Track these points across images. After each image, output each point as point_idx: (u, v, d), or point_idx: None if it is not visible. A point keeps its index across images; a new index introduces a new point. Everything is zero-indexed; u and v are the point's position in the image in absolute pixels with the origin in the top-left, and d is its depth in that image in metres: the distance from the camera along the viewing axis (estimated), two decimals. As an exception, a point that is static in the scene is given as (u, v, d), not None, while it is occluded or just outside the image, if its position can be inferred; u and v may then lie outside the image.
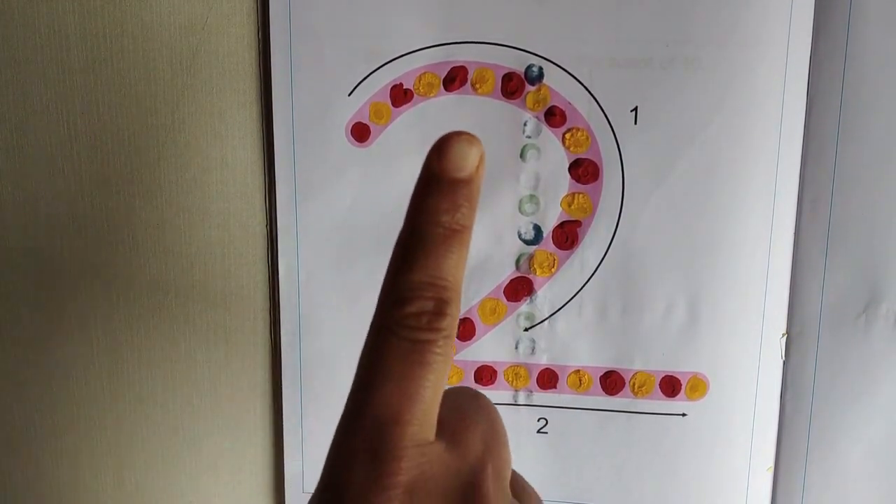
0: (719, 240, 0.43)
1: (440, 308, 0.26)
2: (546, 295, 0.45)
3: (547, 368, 0.45)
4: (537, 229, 0.44)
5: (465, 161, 0.27)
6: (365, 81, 0.42)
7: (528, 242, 0.44)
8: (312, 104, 0.43)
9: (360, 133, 0.43)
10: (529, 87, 0.42)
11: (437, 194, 0.27)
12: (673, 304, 0.44)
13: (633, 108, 0.42)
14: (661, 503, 0.46)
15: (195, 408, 0.46)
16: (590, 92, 0.42)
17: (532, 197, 0.44)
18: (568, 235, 0.44)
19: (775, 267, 0.43)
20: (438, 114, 0.43)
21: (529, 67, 0.42)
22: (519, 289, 0.45)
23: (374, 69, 0.42)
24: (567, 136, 0.43)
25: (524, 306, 0.45)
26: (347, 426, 0.26)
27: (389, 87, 0.42)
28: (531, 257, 0.44)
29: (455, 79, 0.42)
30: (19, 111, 0.43)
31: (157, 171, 0.44)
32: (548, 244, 0.44)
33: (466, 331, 0.45)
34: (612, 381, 0.45)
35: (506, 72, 0.42)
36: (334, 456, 0.26)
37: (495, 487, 0.27)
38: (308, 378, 0.46)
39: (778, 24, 0.41)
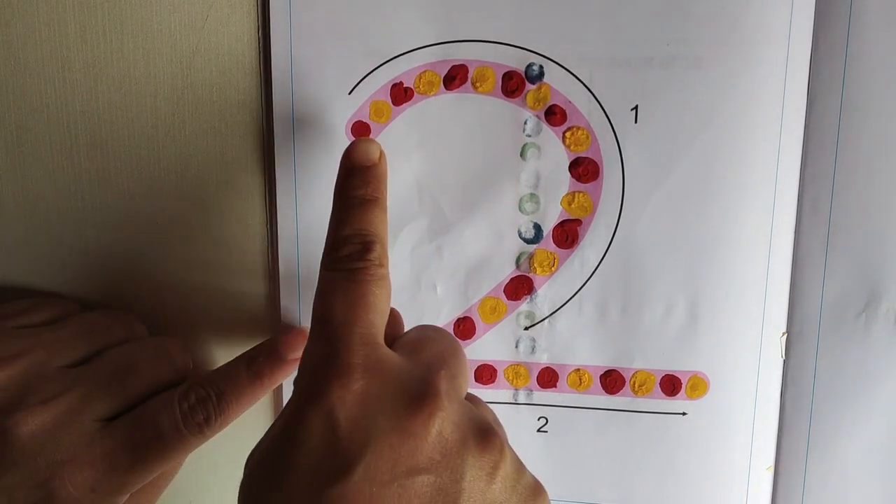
0: (719, 239, 0.43)
1: (366, 247, 0.35)
2: (546, 294, 0.45)
3: (547, 367, 0.45)
4: (537, 228, 0.44)
5: (370, 154, 0.38)
6: (365, 80, 0.42)
7: (528, 241, 0.44)
8: (313, 103, 0.43)
9: (361, 132, 0.43)
10: (530, 86, 0.42)
11: (354, 177, 0.38)
12: (673, 303, 0.44)
13: (633, 107, 0.42)
14: (661, 502, 0.46)
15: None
16: (590, 91, 0.42)
17: (532, 196, 0.44)
18: (568, 234, 0.44)
19: (775, 266, 0.43)
20: (439, 112, 0.43)
21: (530, 66, 0.42)
22: (519, 288, 0.45)
23: (374, 68, 0.42)
24: (567, 134, 0.43)
25: (524, 305, 0.45)
26: (308, 342, 0.33)
27: (390, 86, 0.42)
28: (531, 256, 0.44)
29: (455, 77, 0.42)
30: (19, 111, 0.43)
31: (157, 170, 0.44)
32: (548, 243, 0.44)
33: (467, 330, 0.45)
34: (612, 380, 0.45)
35: (506, 70, 0.42)
36: (300, 366, 0.33)
37: (447, 387, 0.32)
38: (308, 377, 0.46)
39: (778, 23, 0.41)
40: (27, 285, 0.45)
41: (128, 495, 0.39)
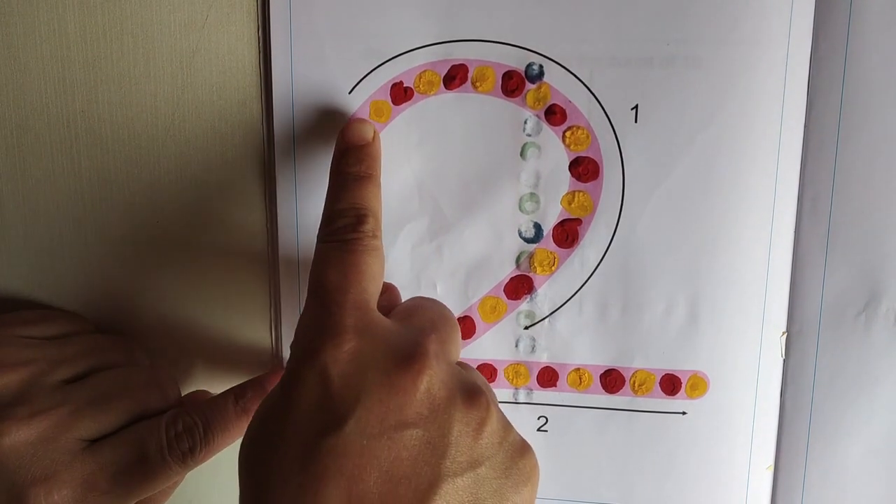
0: (719, 238, 0.43)
1: (359, 220, 0.37)
2: (546, 293, 0.45)
3: (547, 367, 0.45)
4: (537, 227, 0.44)
5: (364, 133, 0.40)
6: (365, 79, 0.42)
7: (528, 241, 0.44)
8: (313, 102, 0.43)
9: (361, 132, 0.43)
10: (530, 86, 0.42)
11: (349, 154, 0.40)
12: (673, 302, 0.44)
13: (633, 106, 0.42)
14: (661, 501, 0.46)
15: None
16: (590, 90, 0.42)
17: (532, 195, 0.44)
18: (568, 234, 0.44)
19: (775, 265, 0.43)
20: (439, 112, 0.43)
21: (530, 65, 0.42)
22: (519, 287, 0.45)
23: (374, 67, 0.42)
24: (567, 134, 0.43)
25: (524, 304, 0.45)
26: (304, 309, 0.35)
27: (390, 86, 0.42)
28: (531, 256, 0.44)
29: (455, 77, 0.42)
30: (19, 111, 0.43)
31: (157, 170, 0.44)
32: (548, 242, 0.44)
33: (467, 329, 0.45)
34: (612, 380, 0.45)
35: (506, 70, 0.42)
36: (296, 331, 0.34)
37: (437, 349, 0.34)
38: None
39: (778, 22, 0.41)
40: (27, 285, 0.45)
41: None
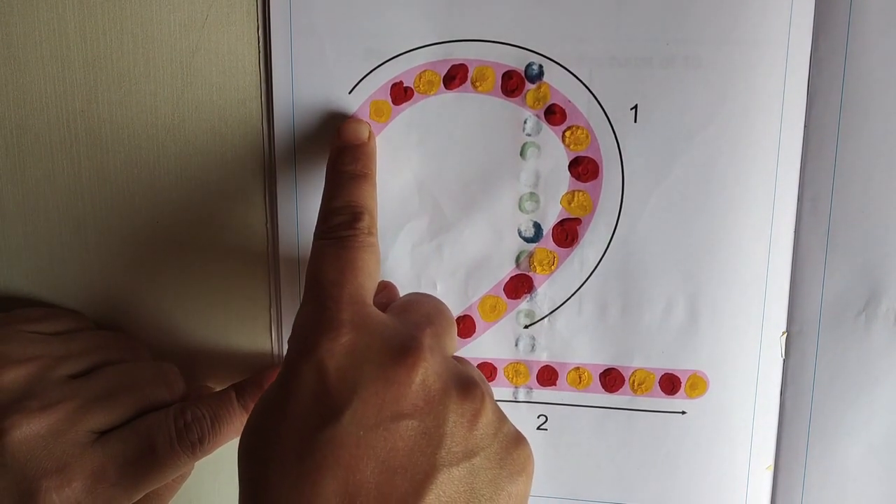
0: (719, 238, 0.43)
1: (355, 217, 0.37)
2: (546, 292, 0.45)
3: (547, 366, 0.46)
4: (537, 227, 0.44)
5: (359, 133, 0.41)
6: (365, 79, 0.42)
7: (528, 240, 0.44)
8: (313, 102, 0.43)
9: (361, 131, 0.43)
10: (529, 85, 0.42)
11: (345, 153, 0.40)
12: (673, 301, 0.44)
13: (632, 106, 0.42)
14: (661, 501, 0.46)
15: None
16: (590, 90, 0.42)
17: (532, 195, 0.44)
18: (568, 233, 0.44)
19: (775, 265, 0.43)
20: (439, 112, 0.43)
21: (529, 65, 0.42)
22: (519, 286, 0.45)
23: (374, 67, 0.42)
24: (567, 133, 0.43)
25: (524, 304, 0.45)
26: (301, 304, 0.35)
27: (390, 85, 0.42)
28: (531, 255, 0.44)
29: (455, 77, 0.42)
30: (19, 111, 0.43)
31: (157, 170, 0.44)
32: (548, 242, 0.44)
33: (467, 328, 0.45)
34: (611, 379, 0.45)
35: (506, 70, 0.42)
36: (294, 326, 0.35)
37: (432, 342, 0.34)
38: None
39: (778, 22, 0.41)
40: (27, 285, 0.45)
41: None
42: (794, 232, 0.43)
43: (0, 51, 0.42)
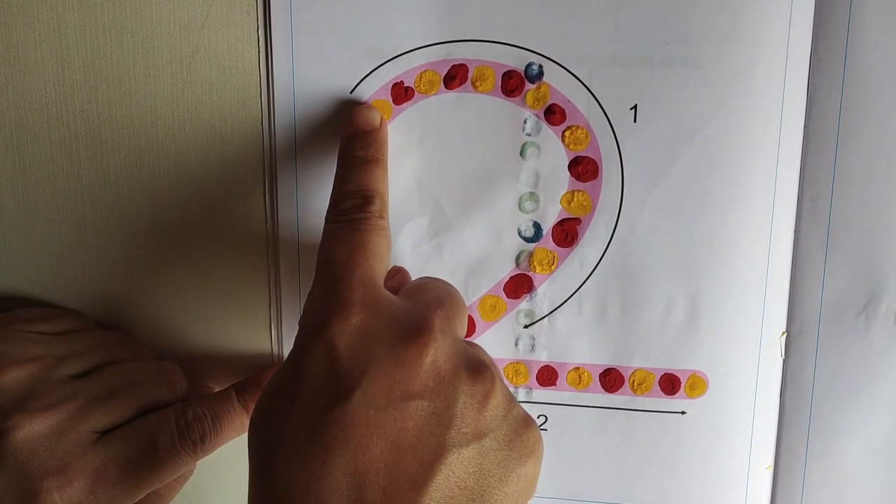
0: (719, 238, 0.43)
1: (366, 201, 0.38)
2: (546, 292, 0.45)
3: (547, 366, 0.46)
4: (537, 227, 0.44)
5: (371, 119, 0.41)
6: (366, 79, 0.42)
7: (527, 240, 0.44)
8: (314, 102, 0.43)
9: (361, 131, 0.43)
10: (529, 85, 0.42)
11: (357, 139, 0.40)
12: (672, 301, 0.44)
13: (632, 106, 0.42)
14: (661, 501, 0.46)
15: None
16: (589, 90, 0.42)
17: (532, 195, 0.44)
18: (567, 233, 0.44)
19: (775, 265, 0.43)
20: (439, 112, 0.43)
21: (529, 65, 0.42)
22: (519, 286, 0.45)
23: (375, 67, 0.42)
24: (567, 133, 0.43)
25: (524, 304, 0.45)
26: (313, 285, 0.35)
27: (390, 85, 0.42)
28: (531, 255, 0.44)
29: (456, 77, 0.42)
30: (19, 111, 0.43)
31: (157, 169, 0.44)
32: (548, 242, 0.44)
33: (467, 328, 0.45)
34: (611, 379, 0.45)
35: (506, 70, 0.42)
36: (304, 307, 0.35)
37: (442, 324, 0.34)
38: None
39: (778, 23, 0.41)
40: (27, 285, 0.45)
41: None
42: (794, 232, 0.43)
43: (0, 51, 0.42)
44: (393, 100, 0.43)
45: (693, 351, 0.44)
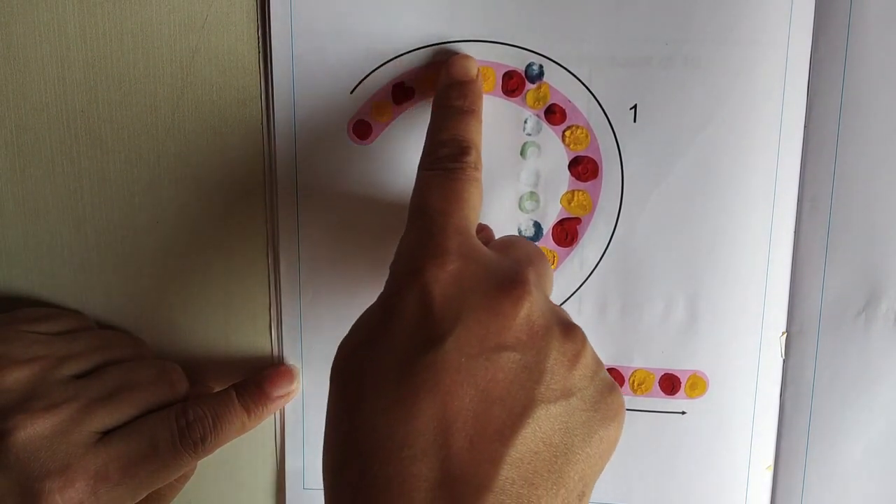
0: (719, 238, 0.43)
1: (462, 151, 0.37)
2: (546, 292, 0.45)
3: (546, 365, 0.45)
4: (537, 226, 0.44)
5: (469, 70, 0.41)
6: (367, 79, 0.42)
7: (528, 240, 0.44)
8: (314, 102, 0.43)
9: (362, 131, 0.43)
10: (530, 86, 0.42)
11: (453, 89, 0.40)
12: (672, 301, 0.44)
13: (632, 106, 0.42)
14: (661, 501, 0.46)
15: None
16: (589, 90, 0.42)
17: (532, 194, 0.44)
18: (567, 233, 0.44)
19: (775, 265, 0.43)
20: (439, 112, 0.43)
21: (530, 66, 0.42)
22: (519, 286, 0.45)
23: (375, 67, 0.42)
24: (567, 133, 0.43)
25: (524, 303, 0.45)
26: (406, 231, 0.36)
27: (391, 86, 0.42)
28: (531, 255, 0.44)
29: (456, 77, 0.42)
30: (19, 111, 0.43)
31: (157, 170, 0.44)
32: (547, 241, 0.44)
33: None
34: (611, 379, 0.45)
35: (506, 70, 0.42)
36: (396, 256, 0.35)
37: (535, 280, 0.34)
38: (309, 376, 0.46)
39: (778, 23, 0.41)
40: (27, 285, 0.45)
41: None
42: (794, 232, 0.43)
43: (0, 51, 0.42)
44: (394, 100, 0.43)
45: (693, 351, 0.44)
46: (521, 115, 0.43)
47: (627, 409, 0.45)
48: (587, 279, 0.44)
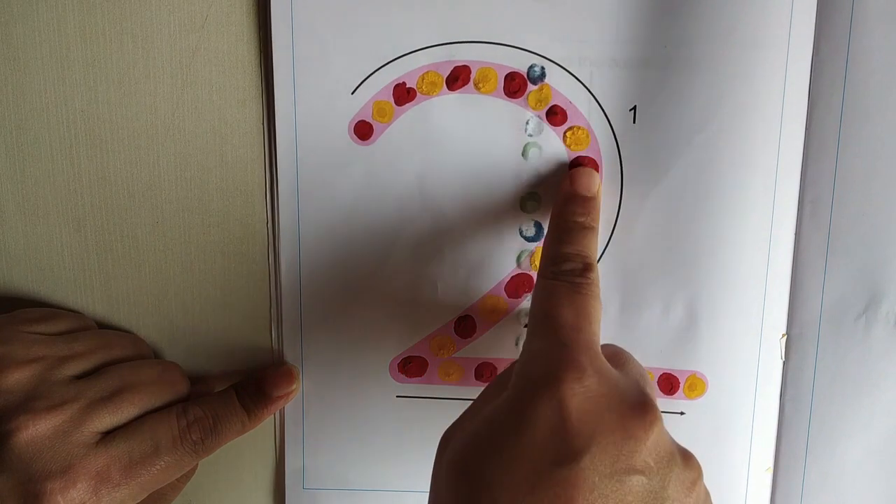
0: (719, 239, 0.43)
1: (587, 267, 0.38)
2: (546, 292, 0.45)
3: (546, 365, 0.46)
4: (538, 226, 0.44)
5: (592, 185, 0.42)
6: (368, 80, 0.42)
7: (528, 240, 0.44)
8: (315, 102, 0.43)
9: (363, 131, 0.43)
10: (531, 87, 0.42)
11: (577, 204, 0.41)
12: (671, 302, 0.44)
13: (631, 107, 0.42)
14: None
15: (196, 405, 0.46)
16: (590, 91, 0.42)
17: (533, 194, 0.44)
18: (568, 233, 0.44)
19: (775, 267, 0.44)
20: (441, 113, 0.43)
21: (531, 67, 0.42)
22: (520, 286, 0.45)
23: (377, 68, 0.42)
24: (568, 134, 0.43)
25: (525, 303, 0.45)
26: (533, 338, 0.36)
27: (392, 86, 0.42)
28: (532, 254, 0.44)
29: (458, 78, 0.42)
30: (19, 111, 0.43)
31: (156, 170, 0.43)
32: (548, 241, 0.44)
33: (467, 328, 0.45)
34: (611, 379, 0.45)
35: (508, 71, 0.42)
36: (525, 359, 0.35)
37: (653, 397, 0.34)
38: (309, 376, 0.46)
39: (778, 24, 0.41)
40: (27, 285, 0.45)
41: None
42: (795, 234, 0.43)
43: (0, 51, 0.42)
44: (395, 101, 0.43)
45: (692, 352, 0.44)
46: (523, 115, 0.43)
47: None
48: (587, 279, 0.44)
